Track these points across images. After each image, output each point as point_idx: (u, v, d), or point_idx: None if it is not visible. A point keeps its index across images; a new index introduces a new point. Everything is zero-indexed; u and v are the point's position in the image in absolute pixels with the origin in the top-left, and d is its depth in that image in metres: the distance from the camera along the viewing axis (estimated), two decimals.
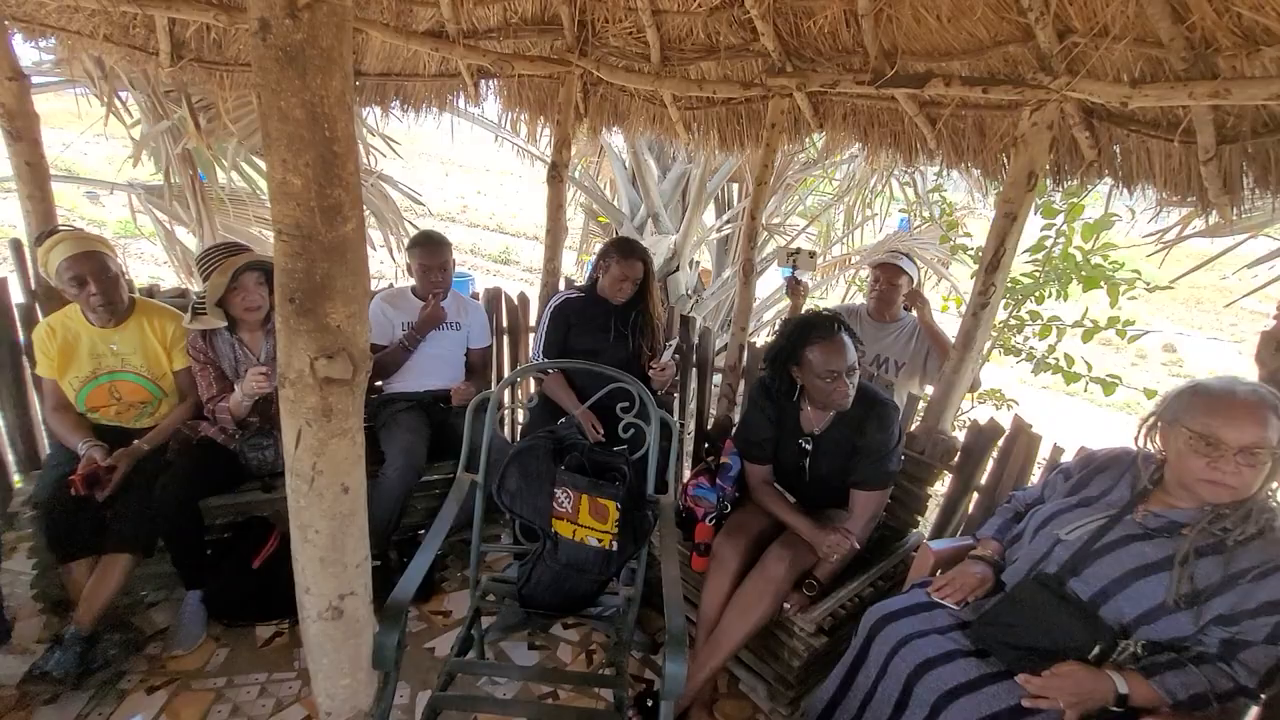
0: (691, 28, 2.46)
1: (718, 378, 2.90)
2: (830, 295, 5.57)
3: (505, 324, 3.01)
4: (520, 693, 1.96)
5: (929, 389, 2.48)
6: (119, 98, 3.46)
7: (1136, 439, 1.49)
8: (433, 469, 2.35)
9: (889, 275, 2.53)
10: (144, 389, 2.09)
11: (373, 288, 2.63)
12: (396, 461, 2.11)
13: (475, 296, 2.92)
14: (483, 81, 3.06)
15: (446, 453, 2.39)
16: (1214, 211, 1.94)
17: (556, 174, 2.81)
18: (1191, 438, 1.32)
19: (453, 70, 2.95)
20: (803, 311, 2.11)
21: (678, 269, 4.12)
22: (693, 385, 2.99)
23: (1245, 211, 1.96)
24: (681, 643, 1.28)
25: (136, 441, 2.00)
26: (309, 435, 1.01)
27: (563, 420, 1.99)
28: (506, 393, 1.81)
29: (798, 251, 2.58)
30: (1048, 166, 2.24)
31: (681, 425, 3.01)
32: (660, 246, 3.97)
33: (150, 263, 8.58)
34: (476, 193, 18.57)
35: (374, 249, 3.77)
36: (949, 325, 2.46)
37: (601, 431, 2.26)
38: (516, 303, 3.00)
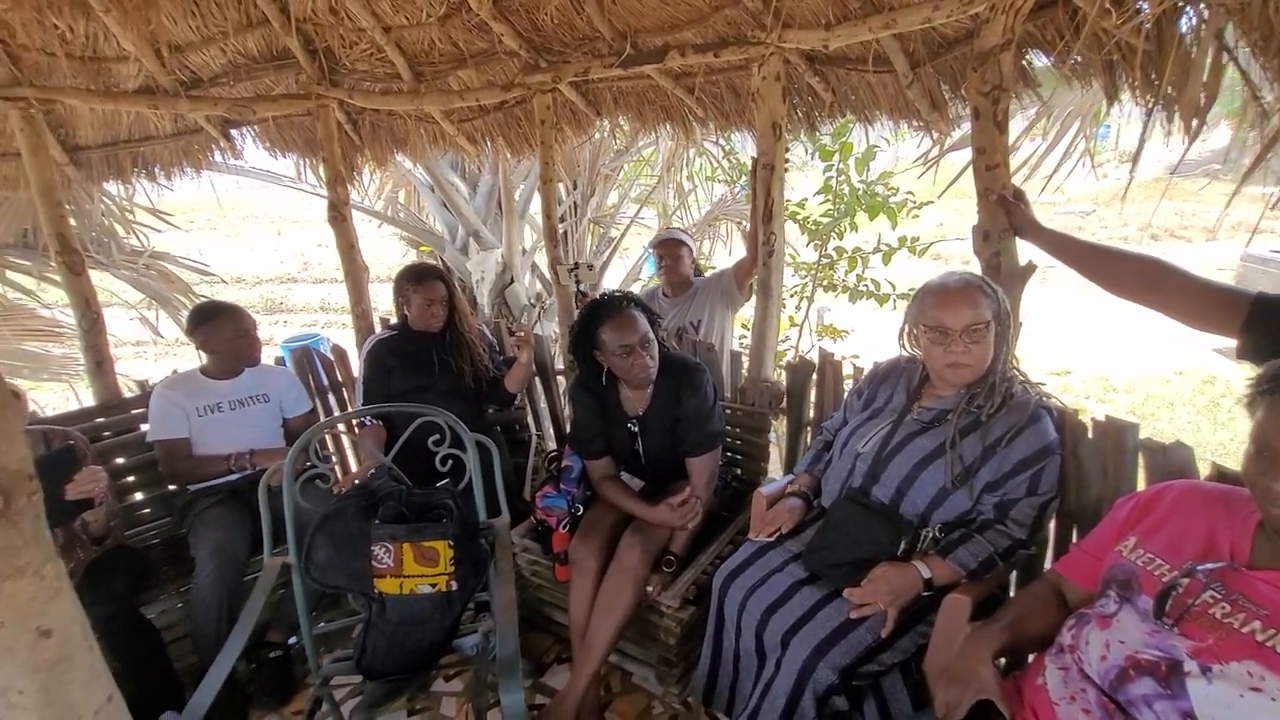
0: (432, 39, 2.38)
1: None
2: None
3: (326, 381, 2.80)
4: None
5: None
6: None
7: (901, 345, 1.62)
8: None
9: (669, 249, 2.72)
10: None
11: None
12: (206, 567, 1.90)
13: None
14: (235, 131, 2.81)
15: (279, 537, 2.17)
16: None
17: (337, 213, 2.64)
18: (928, 332, 1.45)
19: (193, 126, 2.68)
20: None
21: (512, 281, 4.04)
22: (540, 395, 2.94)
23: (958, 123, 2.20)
24: (513, 669, 1.23)
25: None
26: None
27: (372, 472, 1.87)
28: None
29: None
30: (800, 115, 2.41)
31: (539, 435, 2.96)
32: (488, 263, 3.86)
33: None
34: (318, 246, 17.42)
35: (161, 336, 3.38)
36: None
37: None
38: (331, 356, 2.80)
